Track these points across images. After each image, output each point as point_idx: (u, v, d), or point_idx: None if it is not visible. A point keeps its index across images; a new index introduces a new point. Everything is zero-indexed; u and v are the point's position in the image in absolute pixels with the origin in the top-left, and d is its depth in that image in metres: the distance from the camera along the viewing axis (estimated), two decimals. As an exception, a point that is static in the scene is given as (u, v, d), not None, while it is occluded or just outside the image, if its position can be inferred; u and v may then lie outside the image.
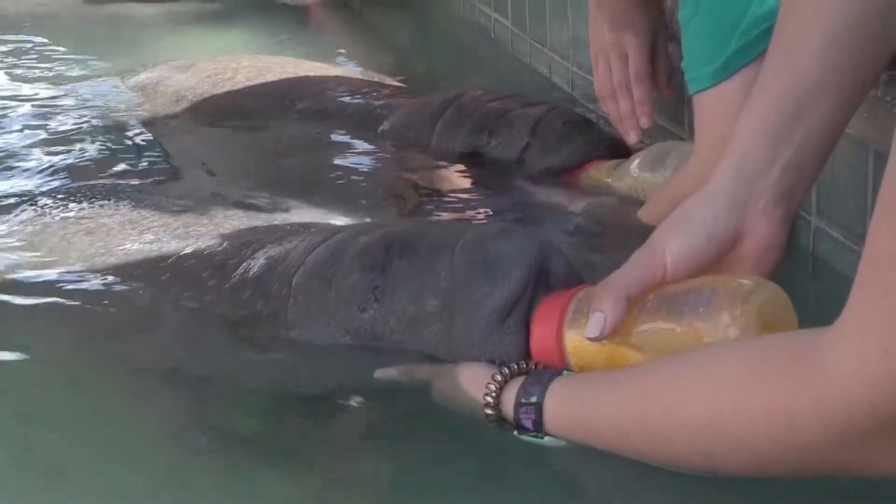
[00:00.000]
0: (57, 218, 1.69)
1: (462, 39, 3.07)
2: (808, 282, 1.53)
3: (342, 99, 2.29)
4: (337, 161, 2.08)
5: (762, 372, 0.88)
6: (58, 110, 2.48)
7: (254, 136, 2.24)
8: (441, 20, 3.29)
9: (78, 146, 2.19)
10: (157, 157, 2.12)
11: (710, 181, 1.12)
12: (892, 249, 0.78)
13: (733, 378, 0.91)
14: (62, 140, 2.24)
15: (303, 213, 1.71)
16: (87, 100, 2.53)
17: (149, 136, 2.24)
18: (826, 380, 0.83)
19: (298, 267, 1.33)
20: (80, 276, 1.53)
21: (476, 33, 3.04)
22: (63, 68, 2.86)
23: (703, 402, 0.92)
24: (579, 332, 1.10)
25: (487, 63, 2.81)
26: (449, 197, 1.88)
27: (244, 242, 1.47)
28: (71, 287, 1.52)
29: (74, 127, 2.33)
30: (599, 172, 1.84)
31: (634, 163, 1.77)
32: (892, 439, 0.82)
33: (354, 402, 1.27)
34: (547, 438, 1.08)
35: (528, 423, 1.08)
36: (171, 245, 1.53)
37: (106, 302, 1.48)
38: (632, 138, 1.87)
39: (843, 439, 0.84)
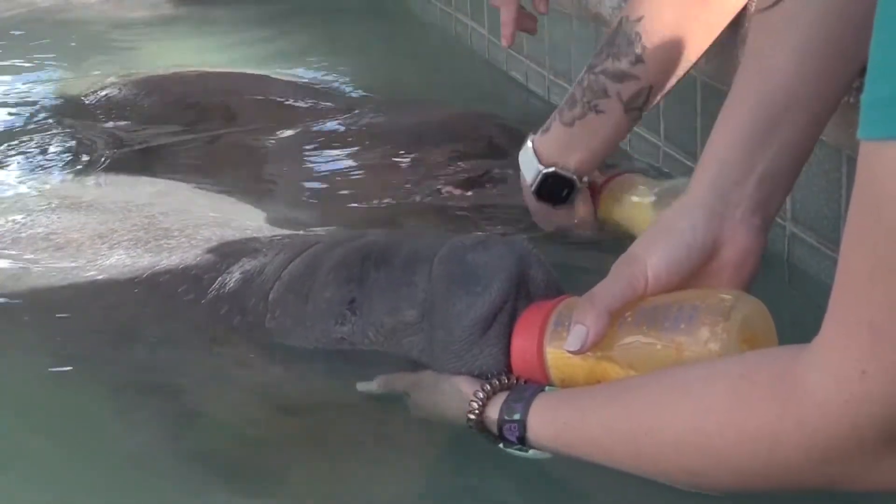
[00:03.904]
0: (25, 234, 1.67)
1: (438, 47, 3.07)
2: (784, 287, 1.54)
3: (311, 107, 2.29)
4: (304, 167, 2.08)
5: (746, 394, 0.89)
6: (24, 122, 2.45)
7: (215, 146, 2.23)
8: (416, 28, 3.29)
9: (45, 161, 2.16)
10: (125, 172, 2.09)
11: (688, 193, 1.12)
12: (863, 270, 0.79)
13: (718, 400, 0.92)
14: (28, 155, 2.21)
15: (274, 222, 1.69)
16: (55, 112, 2.50)
17: (117, 152, 2.22)
18: (807, 402, 0.84)
19: (275, 281, 1.32)
20: (52, 295, 1.51)
21: (452, 41, 3.04)
22: (32, 76, 2.84)
23: (689, 424, 0.93)
24: (560, 345, 1.10)
25: (463, 71, 2.81)
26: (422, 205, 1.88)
27: (219, 256, 1.45)
28: (43, 306, 1.50)
29: (42, 141, 2.29)
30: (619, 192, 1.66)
31: (648, 198, 1.61)
32: (875, 457, 0.84)
33: (334, 413, 1.27)
34: (531, 451, 1.08)
35: (512, 438, 1.08)
36: (143, 260, 1.51)
37: (80, 320, 1.46)
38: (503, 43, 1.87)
39: (826, 458, 0.85)
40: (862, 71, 1.13)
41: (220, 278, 1.40)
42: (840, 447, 0.84)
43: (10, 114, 2.51)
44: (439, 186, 1.94)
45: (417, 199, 1.91)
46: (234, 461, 1.20)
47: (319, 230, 1.66)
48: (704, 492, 0.97)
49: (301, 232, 1.61)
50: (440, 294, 1.17)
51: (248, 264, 1.39)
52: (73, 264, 1.55)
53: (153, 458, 1.21)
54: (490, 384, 1.12)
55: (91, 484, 1.17)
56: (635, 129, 2.03)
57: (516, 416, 1.07)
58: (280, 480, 1.16)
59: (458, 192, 1.92)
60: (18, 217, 1.74)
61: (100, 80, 2.67)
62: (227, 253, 1.45)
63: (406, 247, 1.24)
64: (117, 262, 1.52)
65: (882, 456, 0.84)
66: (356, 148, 2.14)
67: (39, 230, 1.67)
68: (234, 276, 1.39)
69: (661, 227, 1.11)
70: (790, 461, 0.87)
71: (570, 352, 1.07)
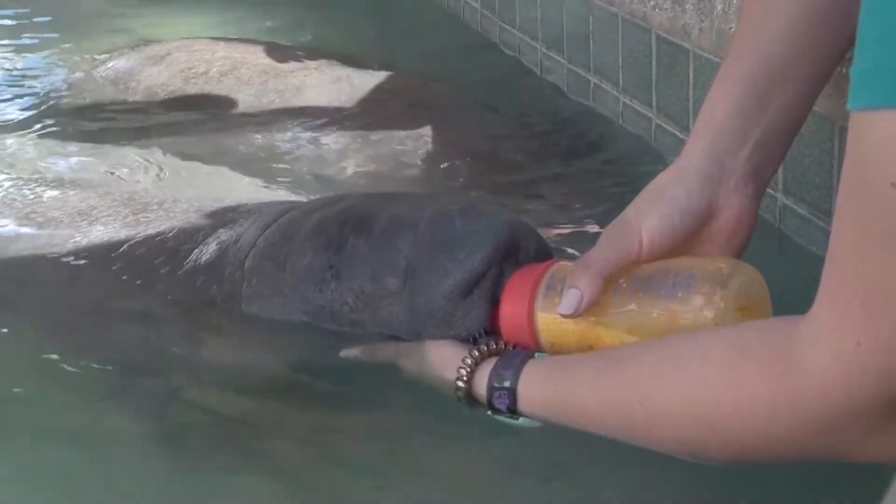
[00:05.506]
0: (5, 213, 1.64)
1: (432, 21, 3.05)
2: (776, 258, 1.53)
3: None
4: (286, 144, 2.08)
5: (742, 366, 0.89)
6: (20, 95, 2.42)
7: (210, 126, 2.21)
8: (410, 1, 3.28)
9: (32, 136, 2.13)
10: (117, 144, 2.05)
11: (682, 159, 1.12)
12: (854, 242, 0.78)
13: (713, 372, 0.91)
14: (16, 127, 2.19)
15: (253, 193, 1.68)
16: (53, 86, 2.47)
17: (115, 125, 2.20)
18: (803, 374, 0.84)
19: (250, 249, 1.29)
20: (32, 272, 1.49)
21: (445, 15, 3.03)
22: (32, 47, 2.80)
23: (683, 395, 0.93)
24: (552, 309, 1.07)
25: (457, 44, 2.80)
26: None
27: (196, 227, 1.43)
28: (22, 283, 1.49)
29: (31, 114, 2.27)
30: None
31: None
32: (872, 428, 0.83)
33: (317, 383, 1.26)
34: (522, 419, 1.07)
35: (502, 407, 1.06)
36: (121, 234, 1.48)
37: (59, 297, 1.44)
38: None
39: (822, 430, 0.85)
40: (854, 40, 1.14)
41: (196, 249, 1.37)
42: (836, 419, 0.83)
43: (9, 89, 2.49)
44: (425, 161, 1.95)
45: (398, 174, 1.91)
46: (216, 436, 1.19)
47: (300, 199, 1.64)
48: (699, 461, 0.96)
49: (280, 198, 1.60)
50: (424, 259, 1.14)
51: (224, 234, 1.37)
52: (52, 242, 1.53)
53: (136, 433, 1.20)
54: (478, 350, 1.10)
55: (73, 465, 1.16)
56: (627, 102, 2.04)
57: (506, 384, 1.05)
58: (263, 453, 1.15)
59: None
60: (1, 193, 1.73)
61: (108, 51, 2.64)
62: (204, 224, 1.43)
63: (388, 212, 1.20)
64: (96, 238, 1.50)
65: (879, 427, 0.83)
66: (354, 122, 2.14)
67: (19, 208, 1.65)
68: (210, 247, 1.36)
69: (656, 192, 1.09)
70: (786, 433, 0.87)
71: (563, 316, 1.05)
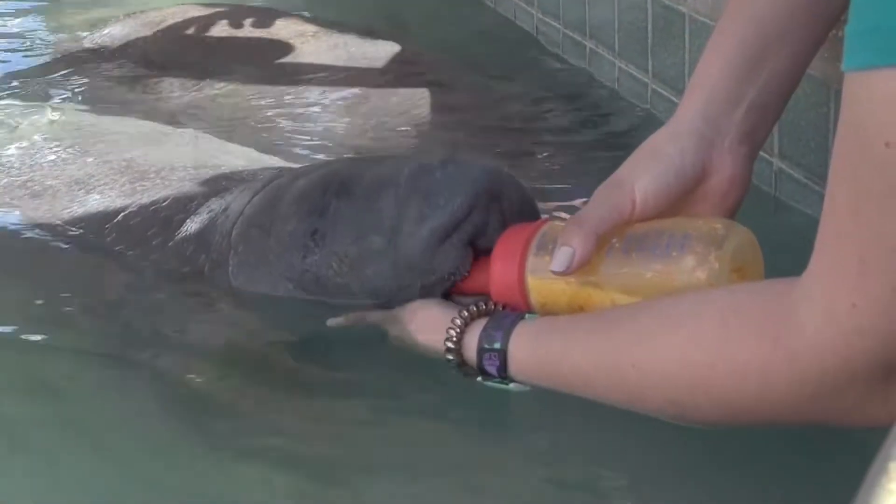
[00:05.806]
0: (3, 181, 1.64)
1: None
2: (772, 223, 1.52)
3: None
4: (289, 112, 2.07)
5: (736, 328, 0.88)
6: (15, 64, 2.42)
7: (209, 91, 2.21)
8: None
9: (28, 105, 2.11)
10: (115, 113, 2.05)
11: (676, 119, 1.11)
12: (849, 203, 0.78)
13: (708, 334, 0.90)
14: (12, 96, 2.18)
15: (248, 159, 1.67)
16: (49, 55, 2.46)
17: (107, 96, 2.18)
18: (798, 336, 0.83)
19: (238, 218, 1.30)
20: (27, 241, 1.49)
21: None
22: (27, 16, 2.79)
23: (677, 357, 0.92)
24: (543, 269, 1.06)
25: (453, 10, 2.78)
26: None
27: (190, 196, 1.43)
28: (17, 252, 1.49)
29: (26, 84, 2.26)
30: None
31: None
32: (867, 392, 0.83)
33: (306, 351, 1.25)
34: (512, 385, 1.06)
35: (492, 370, 1.06)
36: (117, 203, 1.48)
37: (52, 266, 1.45)
38: None
39: (817, 393, 0.84)
40: (849, 2, 1.13)
41: (188, 219, 1.38)
42: (832, 382, 0.83)
43: (3, 58, 2.48)
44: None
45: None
46: (206, 407, 1.19)
47: (293, 165, 1.64)
48: (691, 425, 0.96)
49: (274, 164, 1.58)
50: (405, 213, 1.14)
51: (214, 203, 1.37)
52: (50, 211, 1.53)
53: (124, 406, 1.19)
54: (467, 311, 1.09)
55: (60, 431, 1.15)
56: (623, 67, 2.03)
57: (497, 345, 1.05)
58: (253, 424, 1.15)
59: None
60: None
61: (104, 18, 2.63)
62: (199, 192, 1.43)
63: (370, 173, 1.20)
64: (93, 207, 1.50)
65: (876, 391, 0.83)
66: (350, 88, 2.13)
67: (17, 176, 1.65)
68: (201, 216, 1.36)
69: (649, 151, 1.08)
70: (781, 396, 0.86)
71: (555, 273, 1.04)
